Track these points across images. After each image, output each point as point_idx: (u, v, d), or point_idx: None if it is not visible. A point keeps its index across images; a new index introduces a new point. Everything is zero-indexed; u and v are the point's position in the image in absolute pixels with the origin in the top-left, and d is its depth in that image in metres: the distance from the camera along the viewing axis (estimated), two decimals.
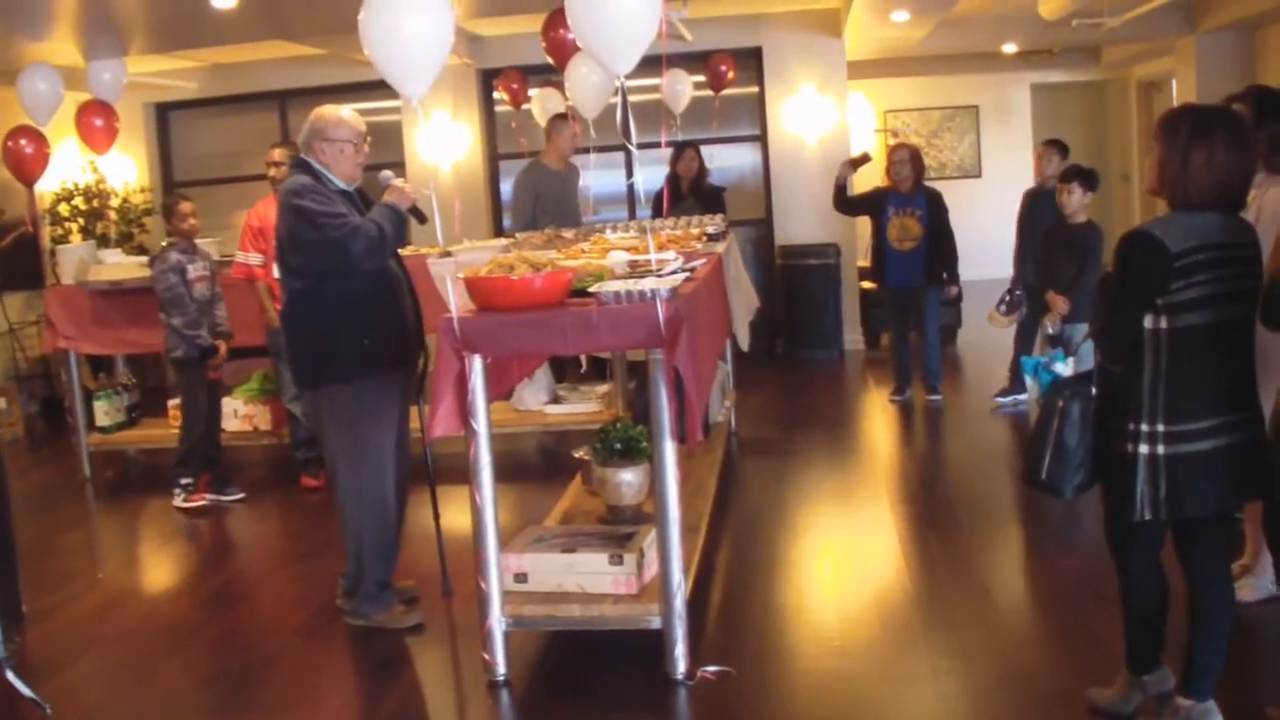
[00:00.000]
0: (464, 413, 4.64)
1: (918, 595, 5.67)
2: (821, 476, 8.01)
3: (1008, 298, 8.87)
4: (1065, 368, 4.14)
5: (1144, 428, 3.81)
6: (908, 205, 9.53)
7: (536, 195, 9.22)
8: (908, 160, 9.60)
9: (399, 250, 5.51)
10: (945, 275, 9.65)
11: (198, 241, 8.06)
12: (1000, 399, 9.35)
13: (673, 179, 10.52)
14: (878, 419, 9.62)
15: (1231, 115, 4.07)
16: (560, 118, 9.28)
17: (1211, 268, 3.73)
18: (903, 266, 9.58)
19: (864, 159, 9.88)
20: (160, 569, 7.09)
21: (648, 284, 4.66)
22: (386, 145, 11.85)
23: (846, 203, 9.95)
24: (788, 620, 5.51)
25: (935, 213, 9.54)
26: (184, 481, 7.97)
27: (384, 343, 5.35)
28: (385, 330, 5.37)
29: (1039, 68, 16.70)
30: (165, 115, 13.59)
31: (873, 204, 9.82)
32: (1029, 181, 9.40)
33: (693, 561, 5.22)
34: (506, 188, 13.02)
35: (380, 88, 5.05)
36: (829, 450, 8.73)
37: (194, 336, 7.74)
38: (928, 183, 9.83)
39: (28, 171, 9.55)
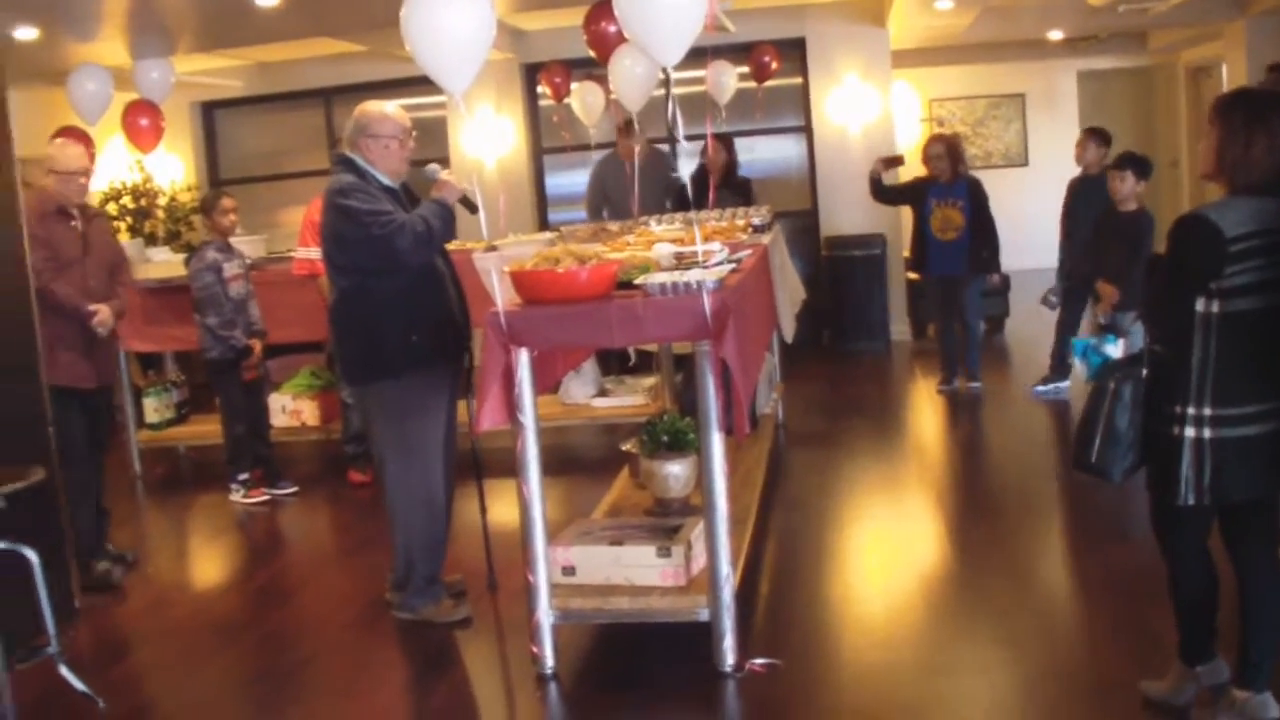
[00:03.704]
0: (511, 406, 4.65)
1: (964, 585, 5.66)
2: (868, 467, 7.99)
3: (1053, 298, 8.87)
4: (1116, 349, 4.11)
5: (1191, 410, 3.80)
6: (949, 195, 9.50)
7: (603, 186, 9.35)
8: (944, 154, 9.56)
9: (446, 243, 5.51)
10: (987, 263, 9.61)
11: (234, 239, 8.11)
12: (1040, 388, 9.30)
13: (703, 171, 10.53)
14: (924, 409, 9.59)
15: None
16: (623, 128, 9.39)
17: (1267, 253, 3.71)
18: (945, 256, 9.56)
19: (898, 160, 9.86)
20: (210, 564, 7.14)
21: (694, 275, 4.65)
22: (431, 141, 11.86)
23: (884, 192, 9.94)
24: (835, 612, 5.51)
25: (976, 202, 9.50)
26: (241, 478, 8.02)
27: (431, 338, 5.36)
28: (432, 326, 5.38)
29: (1085, 54, 16.57)
30: (211, 114, 13.66)
31: (914, 194, 9.80)
32: (1076, 170, 9.33)
33: (740, 553, 5.22)
34: (552, 181, 13.07)
35: (424, 83, 5.05)
36: (875, 441, 8.71)
37: (228, 336, 7.78)
38: (974, 172, 9.79)
39: None
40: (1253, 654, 3.94)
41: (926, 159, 9.67)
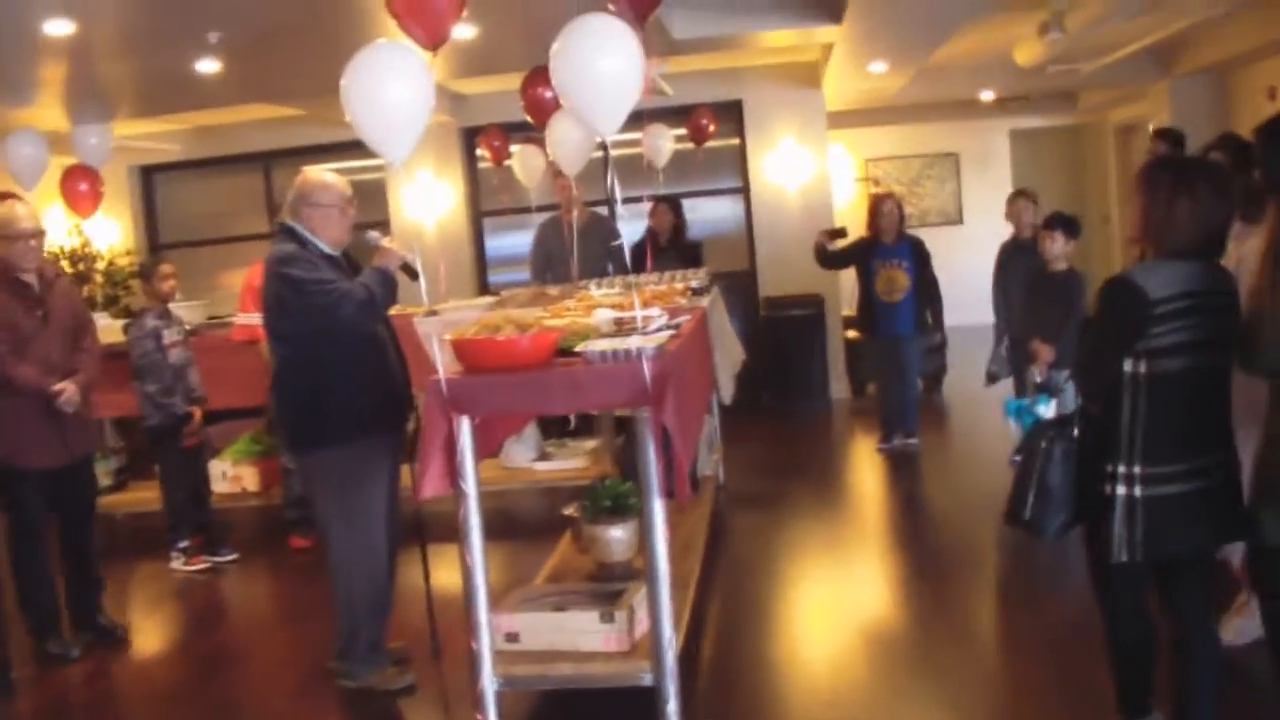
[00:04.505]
0: (452, 474, 4.66)
1: (908, 644, 5.70)
2: (810, 527, 8.03)
3: (994, 369, 8.95)
4: (1048, 410, 4.19)
5: (1121, 469, 3.87)
6: (893, 257, 9.60)
7: (546, 248, 9.42)
8: (895, 210, 9.68)
9: (387, 311, 5.54)
10: (932, 323, 9.71)
11: (174, 305, 8.09)
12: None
13: (651, 234, 10.61)
14: (865, 467, 9.66)
15: (1212, 165, 4.16)
16: (558, 176, 9.43)
17: (1191, 314, 3.80)
18: (891, 317, 9.64)
19: (842, 233, 9.97)
20: (151, 633, 7.06)
21: (633, 342, 4.68)
22: (371, 204, 11.89)
23: (830, 259, 10.01)
24: (779, 673, 5.54)
25: (920, 262, 9.61)
26: (182, 545, 7.96)
27: (374, 406, 5.39)
28: (375, 393, 5.41)
29: (1017, 114, 16.86)
30: (150, 177, 13.64)
31: (858, 256, 9.88)
32: (1010, 227, 9.43)
33: (683, 617, 5.24)
34: (492, 244, 13.13)
35: (363, 147, 5.08)
36: (817, 500, 8.75)
37: (168, 404, 7.75)
38: (910, 230, 9.91)
39: None
40: (1189, 708, 4.00)
41: (877, 216, 9.76)
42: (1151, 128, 11.01)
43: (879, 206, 9.84)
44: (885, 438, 9.91)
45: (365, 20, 7.17)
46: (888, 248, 9.63)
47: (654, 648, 4.66)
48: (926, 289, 9.63)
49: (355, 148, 6.48)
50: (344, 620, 5.56)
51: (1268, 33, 10.79)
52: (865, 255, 9.77)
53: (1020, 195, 9.41)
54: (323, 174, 5.50)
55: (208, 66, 8.62)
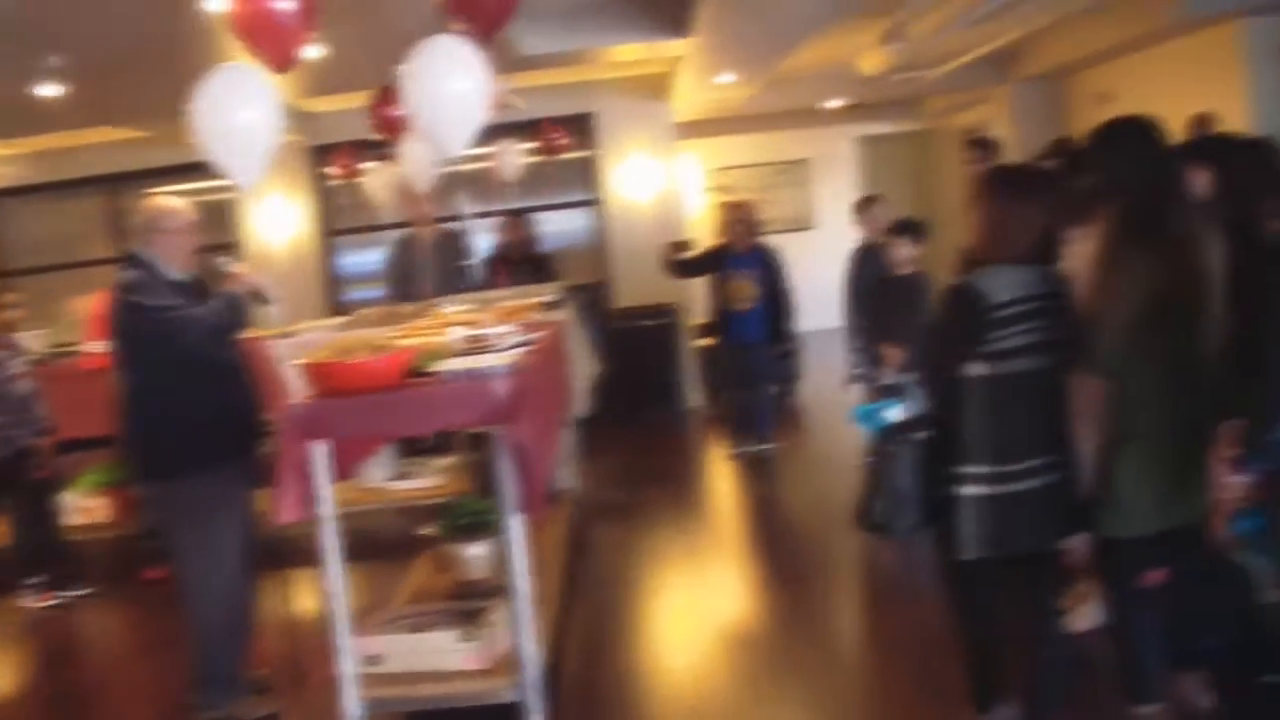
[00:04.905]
0: (307, 499, 4.63)
1: (768, 648, 5.79)
2: (669, 536, 8.10)
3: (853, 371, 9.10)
4: (896, 413, 4.30)
5: (969, 469, 4.00)
6: (743, 266, 9.70)
7: (401, 265, 9.39)
8: (740, 219, 9.78)
9: (236, 336, 5.49)
10: (782, 332, 9.84)
11: (18, 334, 7.92)
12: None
13: (503, 248, 10.62)
14: (721, 474, 9.76)
15: (1047, 173, 4.31)
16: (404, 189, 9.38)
17: (1030, 318, 3.94)
18: (741, 325, 9.75)
19: (685, 246, 10.06)
20: (1, 675, 6.91)
21: (486, 361, 4.70)
22: (219, 225, 11.75)
23: (682, 268, 10.08)
24: (642, 683, 5.59)
25: (771, 271, 9.73)
26: (32, 582, 7.77)
27: (224, 433, 5.33)
28: (225, 420, 5.35)
29: (864, 120, 17.12)
30: None
31: (711, 263, 9.97)
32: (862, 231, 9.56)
33: (545, 632, 5.26)
34: (344, 261, 13.01)
35: (210, 169, 5.04)
36: (676, 509, 8.83)
37: (13, 436, 7.58)
38: (762, 237, 10.03)
39: None
40: (1039, 697, 4.15)
41: (723, 224, 9.86)
42: (989, 135, 11.30)
43: (724, 215, 9.95)
44: (738, 444, 10.02)
45: (211, 43, 7.09)
46: (738, 256, 9.72)
47: (516, 664, 4.69)
48: (777, 298, 9.75)
49: (202, 169, 6.42)
50: (200, 651, 5.48)
51: (1099, 40, 11.14)
52: (718, 262, 9.86)
53: (873, 200, 9.57)
54: (168, 200, 5.45)
55: (49, 90, 8.47)
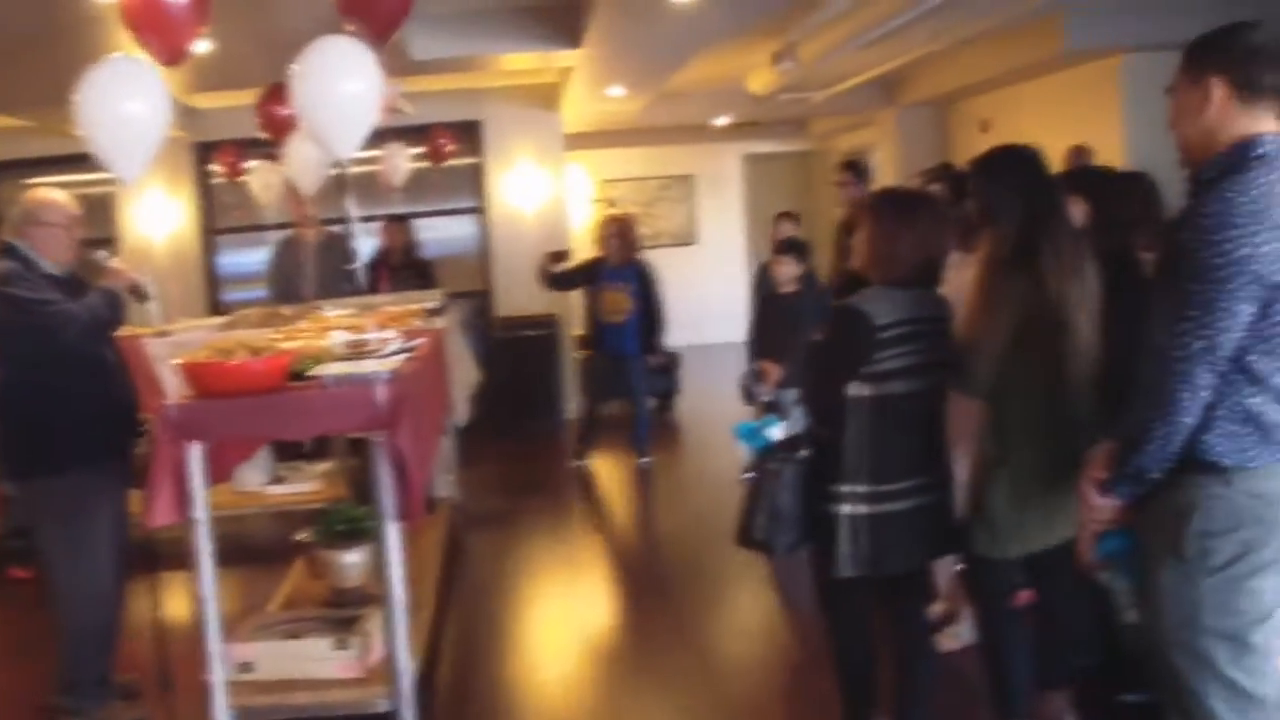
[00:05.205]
0: (183, 502, 4.56)
1: (643, 660, 5.81)
2: (547, 546, 8.09)
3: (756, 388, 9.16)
4: (778, 431, 4.33)
5: (846, 488, 4.05)
6: (618, 279, 9.73)
7: (282, 267, 9.29)
8: (616, 234, 9.80)
9: (114, 332, 5.40)
10: (653, 345, 9.89)
11: None
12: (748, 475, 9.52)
13: (384, 253, 10.57)
14: (599, 485, 9.76)
15: (931, 198, 4.40)
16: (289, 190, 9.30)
17: (911, 340, 4.01)
18: (614, 337, 9.78)
19: (564, 255, 10.08)
20: None
21: (367, 366, 4.67)
22: (99, 219, 11.50)
23: (557, 281, 10.06)
24: (516, 693, 5.59)
25: (645, 285, 9.78)
26: None
27: (99, 431, 5.23)
28: (99, 418, 5.24)
29: (750, 138, 17.26)
30: None
31: (586, 276, 9.99)
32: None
33: (420, 641, 5.23)
34: (224, 261, 12.84)
35: (92, 160, 4.94)
36: (553, 519, 8.83)
37: None
38: (645, 250, 10.07)
39: None
40: (908, 713, 4.22)
41: (601, 239, 9.89)
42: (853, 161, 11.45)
43: (601, 229, 9.98)
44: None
45: (97, 32, 6.96)
46: (615, 269, 9.74)
47: (390, 673, 4.65)
48: (650, 313, 9.80)
49: (83, 160, 6.31)
50: (69, 654, 5.36)
51: (983, 69, 11.35)
52: (593, 275, 9.89)
53: (784, 216, 9.68)
54: (49, 192, 5.34)
55: None
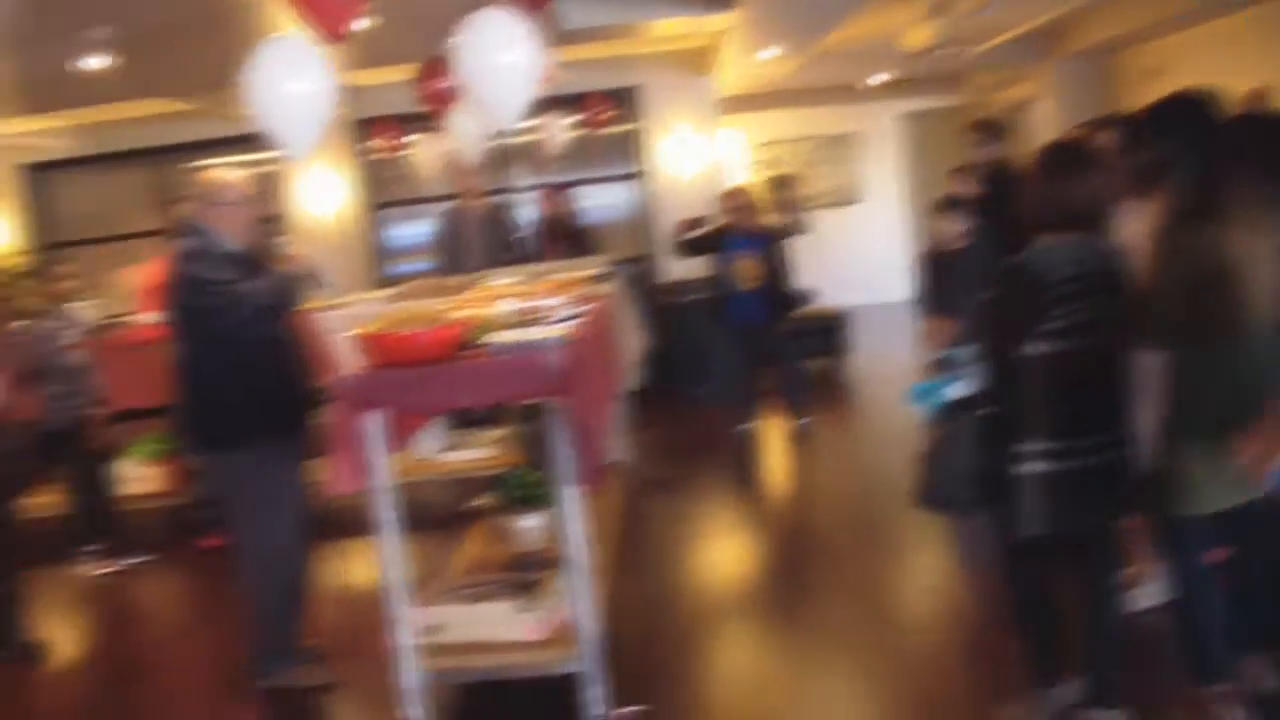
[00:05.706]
0: (362, 470, 4.64)
1: (822, 623, 5.79)
2: (719, 508, 8.14)
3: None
4: (954, 390, 4.27)
5: (1027, 447, 3.97)
6: (749, 245, 9.64)
7: (450, 237, 9.42)
8: (741, 206, 9.73)
9: (286, 314, 5.51)
10: (785, 310, 9.81)
11: (72, 305, 7.97)
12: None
13: (545, 221, 10.63)
14: (770, 448, 9.73)
15: (1101, 148, 4.26)
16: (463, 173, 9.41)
17: (1086, 295, 3.91)
18: (745, 305, 9.68)
19: (699, 222, 10.01)
20: (63, 641, 6.94)
21: (538, 333, 4.70)
22: (265, 197, 11.76)
23: (688, 246, 10.01)
24: (700, 656, 5.60)
25: (775, 252, 9.68)
26: (89, 549, 7.85)
27: (276, 406, 5.37)
28: (277, 393, 5.39)
29: (907, 95, 17.01)
30: (38, 175, 13.36)
31: (714, 243, 9.91)
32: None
33: (601, 603, 5.26)
34: (390, 234, 13.06)
35: (255, 141, 5.05)
36: (723, 482, 8.88)
37: (70, 406, 7.64)
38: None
39: None
40: (1098, 674, 4.11)
41: (729, 209, 9.82)
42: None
43: (726, 201, 9.91)
44: (739, 421, 10.01)
45: (256, 14, 7.09)
46: (744, 237, 9.66)
47: (573, 635, 4.69)
48: (781, 278, 9.73)
49: (246, 142, 6.44)
50: (257, 619, 5.53)
51: (1147, 15, 11.03)
52: (720, 244, 9.79)
53: (957, 171, 9.52)
54: (225, 172, 5.47)
55: (94, 62, 8.49)
